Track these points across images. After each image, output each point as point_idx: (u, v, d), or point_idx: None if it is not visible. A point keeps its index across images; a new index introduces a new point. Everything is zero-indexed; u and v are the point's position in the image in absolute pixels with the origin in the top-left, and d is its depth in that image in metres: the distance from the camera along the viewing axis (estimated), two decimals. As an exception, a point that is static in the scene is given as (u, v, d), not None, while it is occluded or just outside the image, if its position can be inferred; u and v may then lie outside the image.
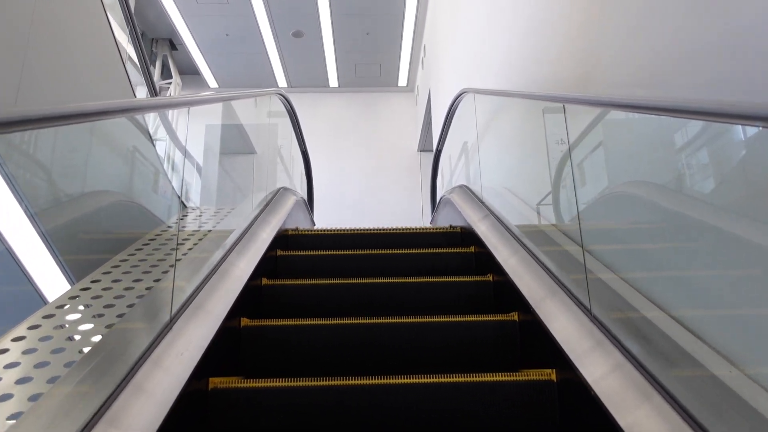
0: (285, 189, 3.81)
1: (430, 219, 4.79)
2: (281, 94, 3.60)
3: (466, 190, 3.44)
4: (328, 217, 10.17)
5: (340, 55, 9.47)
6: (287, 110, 4.01)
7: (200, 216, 3.28)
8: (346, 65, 9.89)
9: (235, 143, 4.89)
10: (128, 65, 4.34)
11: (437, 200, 4.95)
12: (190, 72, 10.24)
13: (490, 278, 2.22)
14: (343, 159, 10.40)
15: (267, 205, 3.08)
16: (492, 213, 2.76)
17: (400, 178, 10.33)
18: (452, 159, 4.93)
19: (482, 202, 2.97)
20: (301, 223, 3.85)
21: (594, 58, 2.08)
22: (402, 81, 10.51)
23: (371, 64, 9.90)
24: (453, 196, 3.55)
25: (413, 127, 10.64)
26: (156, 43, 9.86)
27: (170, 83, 9.83)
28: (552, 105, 1.89)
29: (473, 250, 2.59)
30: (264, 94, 3.44)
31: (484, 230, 2.53)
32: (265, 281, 2.22)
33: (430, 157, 11.11)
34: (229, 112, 5.05)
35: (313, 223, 4.63)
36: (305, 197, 4.85)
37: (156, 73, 9.83)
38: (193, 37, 8.85)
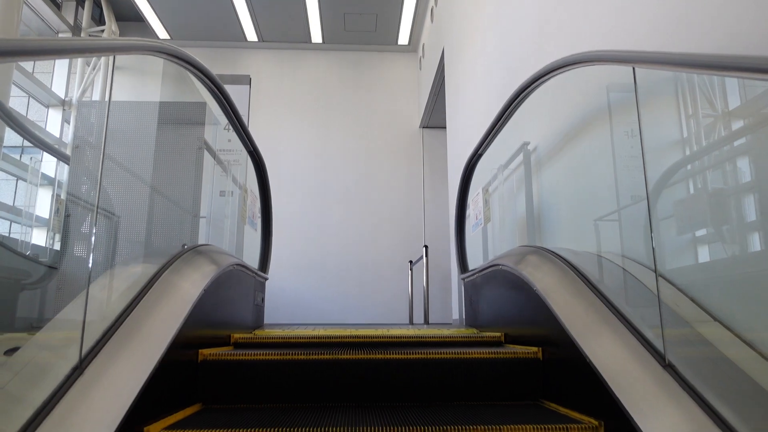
0: (196, 252, 1.88)
1: (457, 272, 2.89)
2: (167, 50, 1.58)
3: (585, 292, 1.55)
4: (307, 219, 8.14)
5: (325, 0, 7.31)
6: (206, 83, 2.02)
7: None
8: (332, 15, 7.72)
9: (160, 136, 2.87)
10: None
11: (466, 255, 3.02)
12: (131, 18, 7.99)
13: None
14: (326, 136, 8.35)
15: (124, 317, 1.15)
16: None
17: (397, 162, 8.33)
18: (496, 173, 3.00)
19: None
20: (231, 323, 1.93)
21: None
22: (403, 38, 8.37)
23: (365, 14, 7.74)
24: (550, 289, 1.66)
25: (415, 97, 8.57)
26: (85, -22, 7.57)
27: (103, 30, 7.60)
28: None
29: None
30: (119, 50, 1.41)
31: None
32: None
33: (436, 135, 9.05)
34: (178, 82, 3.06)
35: (265, 280, 2.71)
36: (259, 252, 2.87)
37: (84, 17, 7.59)
38: (127, -32, 6.60)
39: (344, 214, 8.08)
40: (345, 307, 7.73)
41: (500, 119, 2.36)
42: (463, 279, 2.79)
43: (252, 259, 3.33)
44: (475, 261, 3.24)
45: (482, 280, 2.33)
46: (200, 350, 1.71)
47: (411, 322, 7.30)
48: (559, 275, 1.77)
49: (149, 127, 2.49)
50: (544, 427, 1.31)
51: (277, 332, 2.42)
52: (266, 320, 7.46)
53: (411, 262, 7.64)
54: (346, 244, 7.96)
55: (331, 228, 8.02)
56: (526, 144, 2.91)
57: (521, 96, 2.08)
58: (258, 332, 2.42)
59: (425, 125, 8.32)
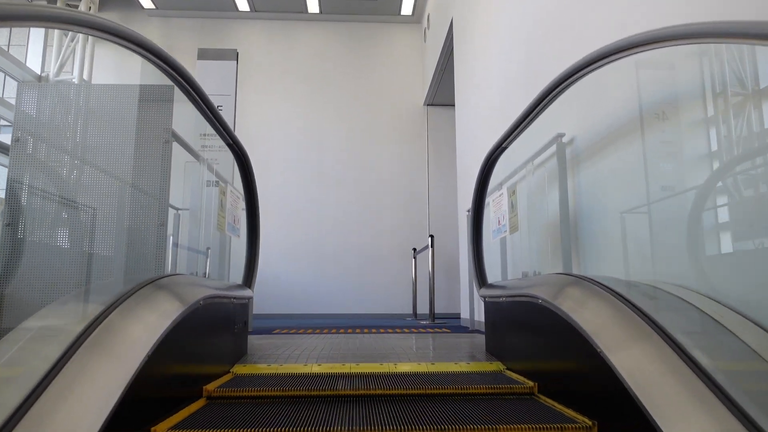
0: (156, 287, 1.47)
1: (475, 286, 2.45)
2: (76, 20, 1.08)
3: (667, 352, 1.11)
4: (302, 203, 7.46)
5: (321, -35, 6.72)
6: (151, 59, 1.53)
7: None
8: (329, -18, 7.12)
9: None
10: None
11: (483, 266, 2.59)
12: (112, -15, 7.37)
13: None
14: (323, 115, 7.82)
15: None
16: None
17: (399, 142, 7.82)
18: (516, 169, 2.55)
19: None
20: (204, 363, 1.49)
21: None
22: (406, 8, 7.77)
23: (365, -18, 7.14)
24: (604, 335, 1.23)
25: (419, 72, 8.01)
26: (59, -59, 6.93)
27: (80, 2, 7.00)
28: None
29: None
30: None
31: None
32: None
33: (442, 113, 8.44)
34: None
35: (248, 299, 2.27)
36: (245, 263, 2.37)
37: (60, -16, 6.98)
38: (102, -71, 5.97)
39: (342, 198, 7.62)
40: (344, 296, 7.33)
41: (536, 107, 1.89)
42: (484, 297, 2.36)
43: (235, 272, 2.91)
44: (490, 266, 2.79)
45: (510, 306, 1.90)
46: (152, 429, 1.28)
47: (415, 316, 6.92)
48: (624, 323, 1.32)
49: (96, 117, 2.01)
50: None
51: (262, 369, 2.00)
52: (259, 310, 7.06)
53: (415, 249, 7.21)
54: (344, 229, 7.53)
55: (328, 212, 7.57)
56: (561, 135, 2.43)
57: (572, 79, 1.60)
58: (238, 369, 1.99)
59: (430, 102, 7.79)
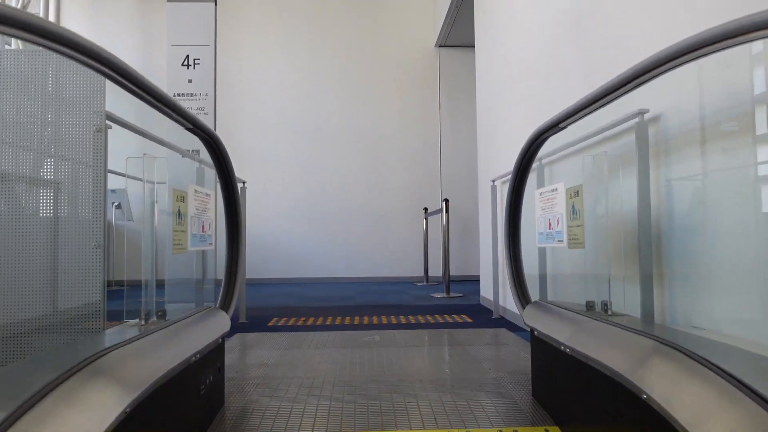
0: (93, 373, 0.94)
1: (516, 304, 1.88)
2: None
3: None
4: (301, 162, 6.72)
5: None
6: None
7: None
8: None
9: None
10: None
11: (524, 280, 2.04)
12: None
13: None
14: (321, 62, 7.01)
15: None
16: None
17: (407, 90, 7.03)
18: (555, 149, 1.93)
19: None
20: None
21: None
22: (416, -70, 6.73)
23: None
24: None
25: (430, 7, 7.08)
26: None
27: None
28: None
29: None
30: None
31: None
32: None
33: (457, 56, 7.49)
34: None
35: (222, 338, 1.74)
36: (224, 277, 1.76)
37: None
38: None
39: (345, 153, 6.96)
40: (349, 258, 6.85)
41: (634, 79, 1.25)
42: (533, 330, 1.81)
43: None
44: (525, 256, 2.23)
45: (579, 366, 1.36)
46: None
47: (426, 280, 6.44)
48: None
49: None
50: None
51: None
52: (258, 275, 6.58)
53: (426, 209, 6.63)
54: (348, 187, 6.92)
55: (329, 169, 6.94)
56: (643, 112, 1.78)
57: (714, 47, 0.96)
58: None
59: (442, 44, 6.92)
